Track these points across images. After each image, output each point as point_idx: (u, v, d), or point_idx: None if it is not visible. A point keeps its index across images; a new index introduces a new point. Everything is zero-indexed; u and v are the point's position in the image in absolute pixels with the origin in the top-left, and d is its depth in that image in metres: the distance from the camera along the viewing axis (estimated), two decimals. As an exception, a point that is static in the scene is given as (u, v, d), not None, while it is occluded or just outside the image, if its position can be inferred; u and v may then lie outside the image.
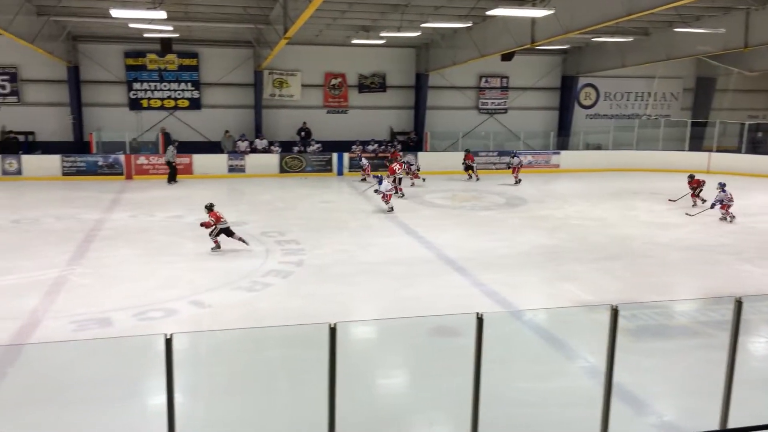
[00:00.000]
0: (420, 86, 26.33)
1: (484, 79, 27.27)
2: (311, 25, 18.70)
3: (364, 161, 22.27)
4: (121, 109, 24.04)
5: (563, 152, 26.14)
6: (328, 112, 26.12)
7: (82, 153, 22.50)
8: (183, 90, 24.44)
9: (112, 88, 23.88)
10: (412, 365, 7.83)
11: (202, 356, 7.21)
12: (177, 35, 21.04)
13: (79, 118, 23.47)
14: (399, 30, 19.68)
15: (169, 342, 4.03)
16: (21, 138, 22.79)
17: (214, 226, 12.52)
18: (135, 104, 24.14)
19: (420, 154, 24.66)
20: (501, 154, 25.19)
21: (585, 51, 26.30)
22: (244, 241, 12.72)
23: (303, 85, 25.51)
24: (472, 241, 13.87)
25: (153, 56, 23.83)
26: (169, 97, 24.36)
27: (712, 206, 15.94)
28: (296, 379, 7.07)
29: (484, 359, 5.05)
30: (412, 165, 21.88)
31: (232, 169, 22.89)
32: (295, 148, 24.26)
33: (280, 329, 7.53)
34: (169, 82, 24.26)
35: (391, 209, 16.67)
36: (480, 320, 4.91)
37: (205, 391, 6.79)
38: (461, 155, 23.72)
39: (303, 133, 25.07)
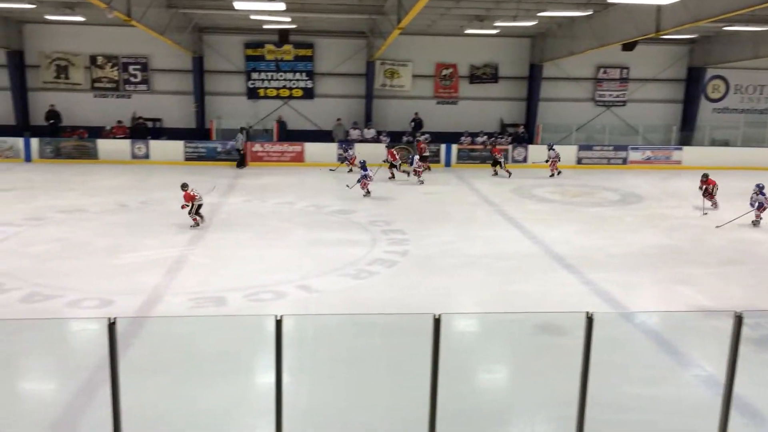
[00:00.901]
0: (533, 77, 25.68)
1: (602, 70, 26.17)
2: (425, 15, 18.66)
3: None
4: (240, 98, 25.09)
5: (686, 148, 24.67)
6: (438, 102, 26.04)
7: (203, 139, 23.73)
8: (297, 80, 25.15)
9: (232, 78, 24.97)
10: (516, 362, 7.69)
11: (308, 339, 7.41)
12: (294, 26, 21.66)
13: (201, 106, 24.74)
14: (514, 19, 19.26)
15: (279, 323, 4.17)
16: (149, 124, 24.34)
17: (191, 205, 13.26)
18: (253, 93, 25.12)
19: (530, 147, 24.12)
20: (617, 148, 24.18)
21: (715, 40, 24.60)
22: (200, 218, 13.43)
23: (414, 76, 25.56)
24: (582, 237, 13.41)
25: (271, 47, 24.67)
26: (284, 87, 25.15)
27: (759, 208, 14.50)
28: (397, 367, 7.12)
29: (592, 360, 4.87)
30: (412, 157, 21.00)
31: (341, 158, 23.34)
32: (405, 138, 24.38)
33: (384, 317, 7.61)
34: (285, 72, 25.04)
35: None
36: (590, 320, 4.74)
37: (309, 373, 6.98)
38: (573, 149, 22.98)
39: (413, 123, 25.15)
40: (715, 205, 16.09)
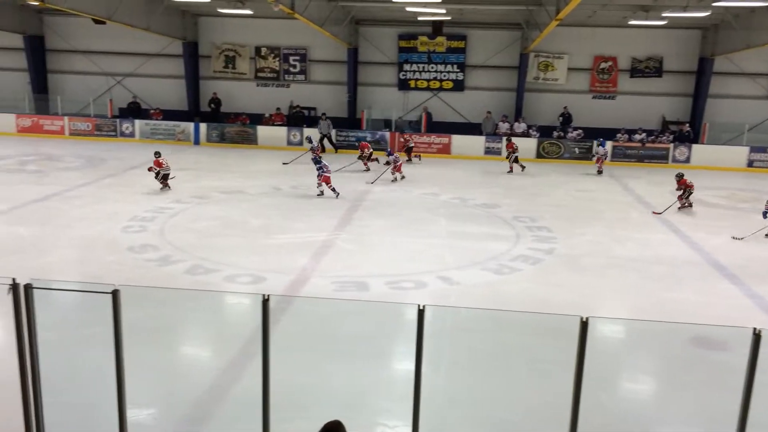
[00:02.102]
0: (702, 71, 23.79)
1: (782, 65, 23.75)
2: (585, 6, 17.87)
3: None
4: (391, 89, 25.53)
5: None
6: (593, 97, 24.92)
7: (353, 128, 24.44)
8: (448, 72, 25.14)
9: (384, 69, 25.46)
10: (666, 374, 7.21)
11: (447, 330, 7.41)
12: (448, 18, 21.65)
13: (353, 97, 25.48)
14: (685, 9, 17.93)
15: (421, 312, 4.18)
16: (305, 112, 25.47)
17: (158, 171, 15.27)
18: (403, 85, 25.46)
19: (694, 147, 22.45)
20: (796, 151, 21.90)
21: None
22: (166, 185, 15.30)
23: (569, 69, 24.64)
24: (749, 246, 12.28)
25: (424, 38, 24.85)
26: (434, 79, 25.25)
27: None
28: (537, 367, 6.93)
29: (756, 381, 4.44)
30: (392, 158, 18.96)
31: (488, 151, 23.06)
32: (555, 134, 23.62)
33: (524, 315, 7.43)
34: (437, 63, 25.12)
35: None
36: (757, 336, 4.31)
37: (447, 364, 6.98)
38: (744, 150, 21.09)
39: (561, 118, 24.30)
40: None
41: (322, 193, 15.41)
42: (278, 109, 25.11)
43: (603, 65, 24.63)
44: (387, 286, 9.46)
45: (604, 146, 21.26)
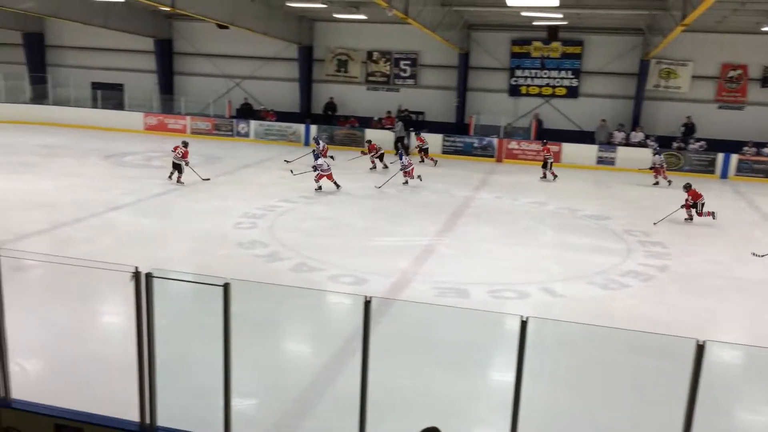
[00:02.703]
0: (844, 82, 21.86)
1: None
2: (715, 11, 16.84)
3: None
4: (500, 95, 25.18)
5: None
6: (719, 107, 23.43)
7: (461, 134, 24.31)
8: (562, 78, 24.48)
9: (495, 75, 25.15)
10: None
11: (548, 343, 7.19)
12: (565, 23, 21.09)
13: (462, 102, 25.34)
14: (826, 14, 16.55)
15: (524, 324, 4.08)
16: (413, 117, 25.61)
17: (186, 161, 16.15)
18: (514, 90, 25.04)
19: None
20: None
21: None
22: (178, 173, 16.04)
23: (693, 77, 23.31)
24: None
25: (538, 44, 24.33)
26: (547, 85, 24.66)
27: None
28: (644, 390, 6.59)
29: None
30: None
31: (600, 161, 22.25)
32: (675, 144, 22.42)
33: (632, 334, 7.08)
34: (550, 69, 24.52)
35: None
36: None
37: (547, 379, 6.78)
38: None
39: (684, 128, 23.02)
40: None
41: (320, 188, 16.09)
42: (388, 112, 25.39)
43: (732, 73, 23.13)
44: (488, 295, 9.32)
45: (660, 155, 19.71)
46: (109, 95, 27.33)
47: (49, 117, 26.51)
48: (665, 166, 19.67)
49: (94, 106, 27.08)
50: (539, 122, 24.10)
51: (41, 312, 7.88)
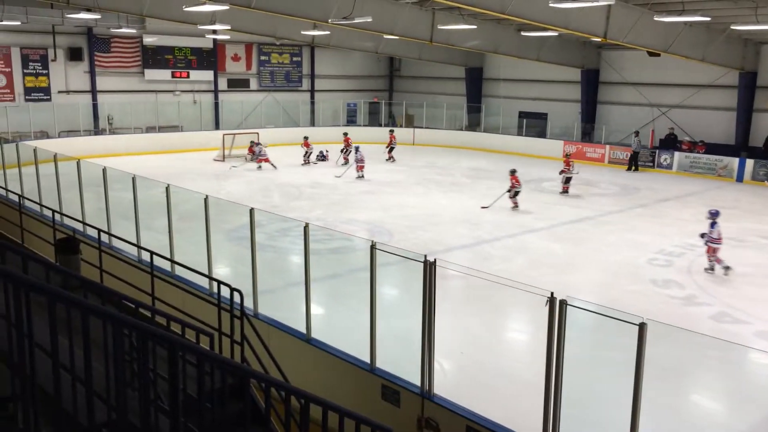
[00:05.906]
0: None
1: None
2: None
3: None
4: None
5: None
6: None
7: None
8: None
9: None
10: None
11: None
12: None
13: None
14: None
15: None
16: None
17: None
18: None
19: None
20: None
21: None
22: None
23: None
24: None
25: None
26: None
27: None
28: None
29: None
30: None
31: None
32: None
33: None
34: None
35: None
36: None
37: None
38: None
39: None
40: None
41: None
42: None
43: None
44: None
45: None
46: (534, 123, 28.93)
47: (479, 143, 29.37)
48: None
49: (519, 134, 29.00)
50: None
51: (458, 318, 8.72)
